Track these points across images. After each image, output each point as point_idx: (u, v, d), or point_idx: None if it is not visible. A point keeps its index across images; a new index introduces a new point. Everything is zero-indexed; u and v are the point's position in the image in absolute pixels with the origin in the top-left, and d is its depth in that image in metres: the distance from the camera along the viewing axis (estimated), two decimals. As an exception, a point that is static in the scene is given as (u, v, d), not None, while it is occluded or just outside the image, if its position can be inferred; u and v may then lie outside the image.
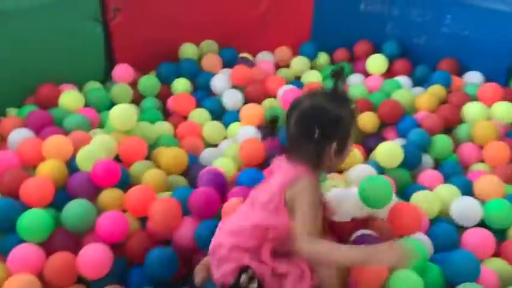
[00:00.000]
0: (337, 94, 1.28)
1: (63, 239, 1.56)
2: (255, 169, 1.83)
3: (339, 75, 1.29)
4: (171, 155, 1.88)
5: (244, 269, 1.22)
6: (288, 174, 1.23)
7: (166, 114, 2.30)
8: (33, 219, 1.52)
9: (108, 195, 1.68)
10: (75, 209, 1.57)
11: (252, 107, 2.22)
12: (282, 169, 1.27)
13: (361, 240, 1.41)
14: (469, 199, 1.72)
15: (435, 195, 1.74)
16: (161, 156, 1.89)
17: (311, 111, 1.23)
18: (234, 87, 2.36)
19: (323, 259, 1.21)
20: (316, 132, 1.20)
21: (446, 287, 1.47)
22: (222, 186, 1.73)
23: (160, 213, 1.58)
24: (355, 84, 2.45)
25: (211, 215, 1.60)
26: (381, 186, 1.52)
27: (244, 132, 2.08)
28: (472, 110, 2.16)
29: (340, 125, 1.23)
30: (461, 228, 1.67)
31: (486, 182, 1.78)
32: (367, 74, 2.56)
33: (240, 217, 1.30)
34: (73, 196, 1.66)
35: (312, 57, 2.66)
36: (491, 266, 1.53)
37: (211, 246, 1.32)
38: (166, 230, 1.60)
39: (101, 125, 2.08)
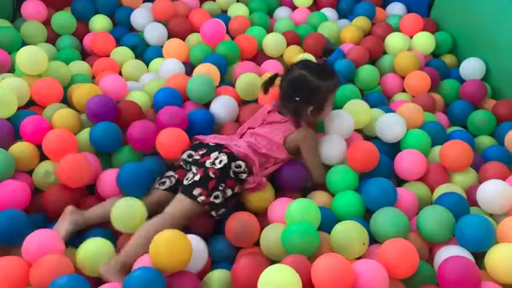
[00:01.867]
0: (324, 69, 1.64)
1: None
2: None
3: (329, 53, 1.71)
4: (84, 92, 1.77)
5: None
6: (287, 129, 1.62)
7: (86, 54, 2.18)
8: None
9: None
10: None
11: (175, 41, 2.13)
12: (280, 124, 1.64)
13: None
14: (392, 115, 1.79)
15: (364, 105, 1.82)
16: (73, 94, 1.79)
17: (296, 79, 1.61)
18: (156, 22, 2.25)
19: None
20: (296, 98, 1.60)
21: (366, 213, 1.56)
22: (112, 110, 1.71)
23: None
24: (281, 18, 2.41)
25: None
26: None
27: (168, 66, 2.00)
28: (394, 41, 2.21)
29: (317, 94, 1.60)
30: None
31: (406, 110, 1.85)
32: (294, 7, 2.53)
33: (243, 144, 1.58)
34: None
35: (237, -11, 2.57)
36: (412, 189, 1.62)
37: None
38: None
39: (14, 68, 1.93)
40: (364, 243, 1.37)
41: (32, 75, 1.80)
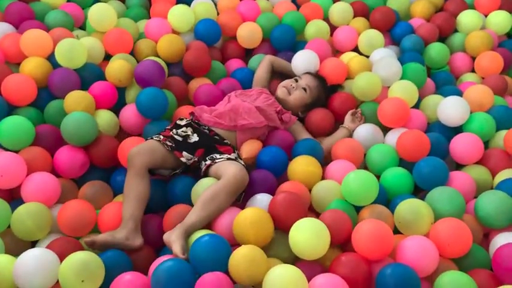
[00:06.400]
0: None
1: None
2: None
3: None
4: (168, 40, 1.89)
5: None
6: None
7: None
8: (14, 127, 1.53)
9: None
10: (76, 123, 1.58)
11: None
12: None
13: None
14: (456, 98, 1.73)
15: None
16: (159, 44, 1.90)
17: None
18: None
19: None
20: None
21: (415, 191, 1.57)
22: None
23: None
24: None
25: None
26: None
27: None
28: (467, 18, 2.11)
29: None
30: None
31: (476, 91, 1.78)
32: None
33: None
34: (55, 93, 1.68)
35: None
36: (470, 173, 1.58)
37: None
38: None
39: (85, 23, 2.00)
40: (431, 223, 1.36)
41: (102, 32, 1.87)
